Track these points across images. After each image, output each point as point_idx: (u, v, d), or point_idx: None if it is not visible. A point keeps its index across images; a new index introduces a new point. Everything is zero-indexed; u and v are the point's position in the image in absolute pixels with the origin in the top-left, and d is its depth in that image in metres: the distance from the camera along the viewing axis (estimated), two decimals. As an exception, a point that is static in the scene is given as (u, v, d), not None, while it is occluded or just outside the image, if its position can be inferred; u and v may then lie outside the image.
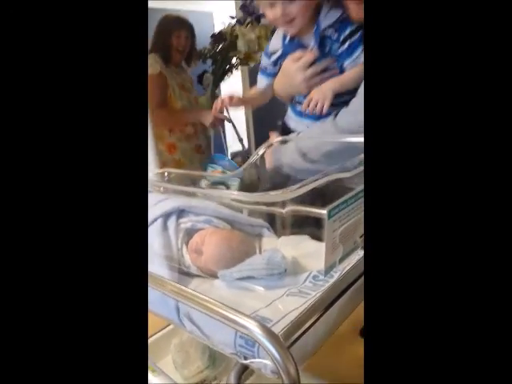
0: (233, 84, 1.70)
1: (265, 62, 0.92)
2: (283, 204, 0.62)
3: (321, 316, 0.41)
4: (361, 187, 0.48)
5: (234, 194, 0.63)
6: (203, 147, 1.66)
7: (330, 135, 0.78)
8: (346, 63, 0.80)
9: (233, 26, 1.60)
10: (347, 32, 0.77)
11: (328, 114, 0.81)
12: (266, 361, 0.43)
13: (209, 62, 1.73)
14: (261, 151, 0.89)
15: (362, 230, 0.51)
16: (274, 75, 0.92)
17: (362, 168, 0.49)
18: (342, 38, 0.77)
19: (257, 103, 1.03)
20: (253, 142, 2.45)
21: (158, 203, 0.66)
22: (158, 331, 0.97)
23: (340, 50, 0.79)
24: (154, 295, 0.55)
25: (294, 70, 0.83)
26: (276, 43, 0.87)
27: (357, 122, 0.74)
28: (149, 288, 0.55)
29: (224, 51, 1.63)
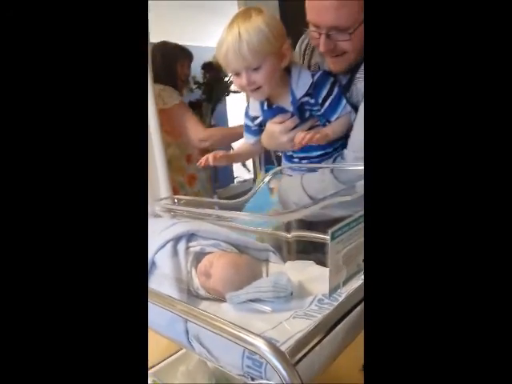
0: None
1: (248, 122, 0.91)
2: (288, 229, 0.64)
3: (326, 335, 0.42)
4: (362, 212, 0.50)
5: (245, 214, 0.66)
6: (212, 177, 1.68)
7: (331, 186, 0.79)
8: (332, 119, 0.80)
9: None
10: (324, 93, 0.78)
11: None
12: (272, 382, 0.44)
13: (197, 91, 1.76)
14: (266, 179, 0.92)
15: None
16: (259, 133, 0.91)
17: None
18: (320, 100, 0.78)
19: (244, 159, 1.02)
20: (258, 167, 2.46)
21: (168, 227, 0.68)
22: (165, 359, 0.97)
23: (323, 110, 0.80)
24: (163, 319, 0.57)
25: (278, 133, 0.83)
26: (255, 109, 0.86)
27: (355, 172, 0.75)
28: (158, 311, 0.57)
29: (214, 80, 1.68)
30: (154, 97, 1.35)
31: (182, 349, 0.99)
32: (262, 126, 0.89)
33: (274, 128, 0.84)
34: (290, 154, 0.91)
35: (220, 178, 1.62)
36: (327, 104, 0.79)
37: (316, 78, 0.78)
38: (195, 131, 1.24)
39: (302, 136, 0.76)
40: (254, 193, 0.86)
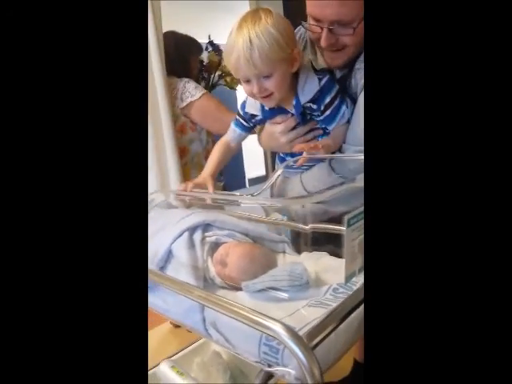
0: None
1: (242, 115, 0.87)
2: (305, 221, 0.64)
3: (342, 321, 0.42)
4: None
5: (263, 199, 0.66)
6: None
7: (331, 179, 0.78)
8: (330, 127, 0.79)
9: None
10: (327, 101, 0.76)
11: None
12: (289, 369, 0.44)
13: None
14: (278, 172, 0.92)
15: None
16: (248, 130, 0.88)
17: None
18: (322, 107, 0.77)
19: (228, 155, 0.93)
20: (270, 168, 2.47)
21: (184, 218, 0.69)
22: (181, 350, 0.98)
23: (322, 117, 0.78)
24: (181, 307, 0.58)
25: (278, 133, 0.82)
26: (254, 107, 0.83)
27: (354, 164, 0.75)
28: (176, 300, 0.58)
29: (207, 72, 1.67)
30: (179, 91, 1.35)
31: (197, 340, 1.00)
32: (256, 124, 0.87)
33: (274, 128, 0.82)
34: (283, 156, 0.90)
35: (227, 175, 1.56)
36: (328, 112, 0.77)
37: (322, 84, 0.76)
38: (228, 117, 1.23)
39: (304, 146, 0.76)
40: (266, 188, 0.87)
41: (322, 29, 0.71)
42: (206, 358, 0.95)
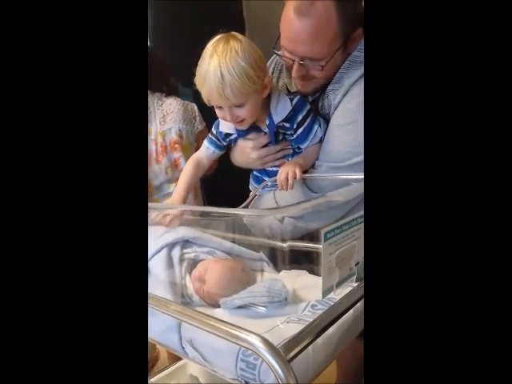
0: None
1: (216, 135, 0.87)
2: (283, 239, 0.65)
3: (318, 335, 0.42)
4: (354, 215, 0.52)
5: (248, 211, 0.70)
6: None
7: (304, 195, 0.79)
8: (303, 146, 0.82)
9: None
10: (299, 119, 0.78)
11: None
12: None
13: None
14: (258, 192, 0.93)
15: (357, 258, 0.54)
16: (222, 149, 0.89)
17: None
18: (295, 125, 0.79)
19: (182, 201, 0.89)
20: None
21: (163, 234, 0.69)
22: (156, 374, 0.95)
23: (295, 136, 0.80)
24: (158, 325, 0.56)
25: (248, 148, 0.84)
26: (228, 126, 0.83)
27: (328, 181, 0.77)
28: (153, 318, 0.57)
29: None
30: (194, 117, 1.33)
31: (174, 364, 0.98)
32: (230, 143, 0.88)
33: (246, 144, 0.84)
34: (258, 175, 0.91)
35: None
36: (300, 130, 0.79)
37: (294, 103, 0.78)
38: None
39: (284, 177, 0.75)
40: (245, 205, 0.88)
41: (293, 61, 0.75)
42: (183, 381, 0.92)
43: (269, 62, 0.94)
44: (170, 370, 0.96)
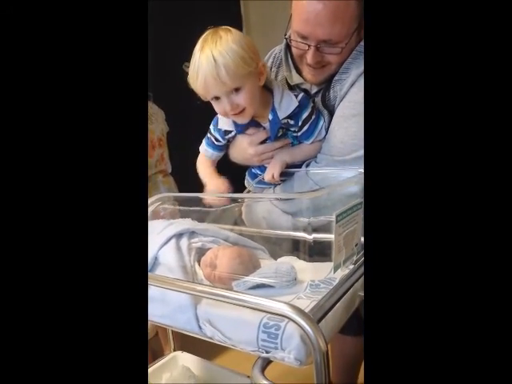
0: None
1: (217, 135, 0.87)
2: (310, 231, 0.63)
3: (338, 301, 0.48)
4: (355, 202, 0.59)
5: (275, 194, 0.76)
6: None
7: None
8: (308, 142, 0.82)
9: None
10: (304, 116, 0.78)
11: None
12: (286, 354, 0.49)
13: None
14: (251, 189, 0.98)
15: (356, 239, 0.61)
16: (220, 149, 0.90)
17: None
18: (300, 123, 0.79)
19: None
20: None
21: (167, 226, 0.72)
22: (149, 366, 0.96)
23: (300, 133, 0.81)
24: (171, 308, 0.60)
25: (246, 143, 0.83)
26: (227, 122, 0.84)
27: (330, 174, 0.78)
28: (165, 301, 0.60)
29: None
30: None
31: (166, 356, 1.00)
32: (229, 141, 0.88)
33: (243, 139, 0.84)
34: (256, 172, 0.91)
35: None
36: (306, 127, 0.79)
37: (299, 99, 0.79)
38: None
39: (271, 177, 0.80)
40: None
41: (308, 46, 0.74)
42: (176, 372, 0.95)
43: (266, 56, 0.95)
44: (161, 361, 0.98)
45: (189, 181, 0.90)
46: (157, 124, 1.48)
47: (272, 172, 0.82)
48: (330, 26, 0.70)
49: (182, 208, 0.83)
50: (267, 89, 0.79)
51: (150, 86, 1.46)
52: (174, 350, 1.01)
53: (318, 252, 0.61)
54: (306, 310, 0.50)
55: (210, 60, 0.68)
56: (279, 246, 0.76)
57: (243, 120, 0.79)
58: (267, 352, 0.51)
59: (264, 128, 0.82)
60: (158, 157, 1.49)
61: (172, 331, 1.00)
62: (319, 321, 0.44)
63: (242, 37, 0.72)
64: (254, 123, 0.81)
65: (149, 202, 0.83)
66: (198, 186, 0.88)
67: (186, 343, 1.00)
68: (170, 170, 1.58)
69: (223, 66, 0.68)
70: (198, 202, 0.79)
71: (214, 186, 0.85)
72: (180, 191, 1.55)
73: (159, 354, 1.31)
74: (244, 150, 0.85)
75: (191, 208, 0.81)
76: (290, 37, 0.80)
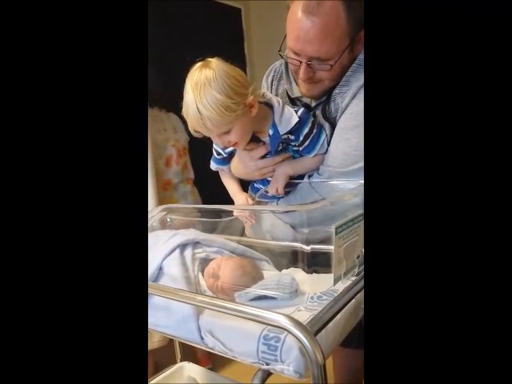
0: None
1: (218, 149, 0.88)
2: (307, 242, 0.63)
3: (337, 313, 0.48)
4: (355, 214, 0.59)
5: (276, 207, 0.77)
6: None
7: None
8: (310, 156, 0.82)
9: None
10: (305, 131, 0.79)
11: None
12: (285, 366, 0.49)
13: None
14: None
15: (358, 252, 0.61)
16: (224, 162, 0.91)
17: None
18: (301, 138, 0.79)
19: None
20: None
21: (172, 236, 0.73)
22: (155, 377, 0.97)
23: (301, 147, 0.81)
24: (174, 318, 0.60)
25: (247, 159, 0.84)
26: None
27: (333, 186, 0.79)
28: (166, 312, 0.61)
29: None
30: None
31: (171, 366, 1.00)
32: (232, 153, 0.89)
33: (244, 154, 0.84)
34: (257, 186, 0.92)
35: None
36: (307, 142, 0.79)
37: (300, 114, 0.79)
38: None
39: (275, 191, 0.82)
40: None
41: (300, 62, 0.75)
42: (182, 383, 0.95)
43: (268, 70, 0.96)
44: (167, 372, 0.98)
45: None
46: (181, 133, 1.61)
47: (276, 186, 0.83)
48: (319, 44, 0.71)
49: (191, 219, 0.84)
50: (267, 104, 0.80)
51: (171, 99, 1.56)
52: (181, 361, 1.02)
53: (318, 264, 0.61)
54: (305, 323, 0.51)
55: (195, 109, 0.69)
56: (282, 258, 0.76)
57: (239, 148, 0.81)
58: (267, 364, 0.51)
59: (264, 143, 0.82)
60: (183, 165, 1.61)
61: (179, 341, 1.00)
62: (317, 333, 0.44)
63: (225, 78, 0.69)
64: (254, 138, 0.82)
65: (156, 211, 0.85)
66: (216, 195, 0.89)
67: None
68: (193, 177, 1.70)
69: (207, 118, 0.69)
70: (212, 213, 0.80)
71: (237, 201, 0.89)
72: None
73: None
74: (244, 164, 0.86)
75: (201, 219, 0.83)
76: (287, 54, 0.81)
